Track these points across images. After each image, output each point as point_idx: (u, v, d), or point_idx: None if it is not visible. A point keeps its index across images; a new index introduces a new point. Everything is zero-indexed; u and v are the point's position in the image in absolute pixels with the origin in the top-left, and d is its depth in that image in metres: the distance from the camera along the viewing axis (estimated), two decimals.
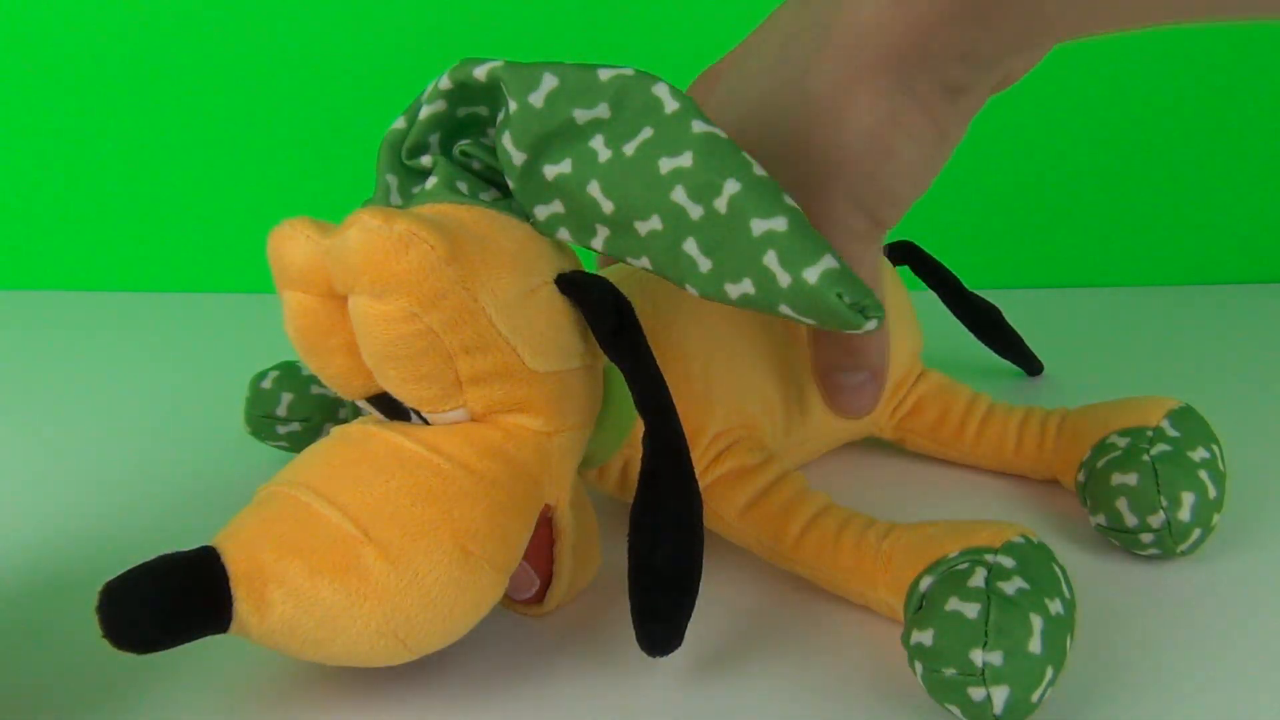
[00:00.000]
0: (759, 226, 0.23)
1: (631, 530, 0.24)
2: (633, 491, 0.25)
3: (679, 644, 0.24)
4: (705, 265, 0.24)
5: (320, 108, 0.67)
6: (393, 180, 0.27)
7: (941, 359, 0.51)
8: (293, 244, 0.24)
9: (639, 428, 0.29)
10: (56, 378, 0.52)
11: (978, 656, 0.22)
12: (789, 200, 0.23)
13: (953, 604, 0.24)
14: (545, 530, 0.27)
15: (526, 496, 0.25)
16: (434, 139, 0.27)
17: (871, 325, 0.22)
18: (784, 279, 0.23)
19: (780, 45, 0.29)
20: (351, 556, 0.23)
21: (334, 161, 0.68)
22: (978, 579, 0.24)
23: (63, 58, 0.66)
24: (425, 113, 0.26)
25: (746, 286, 0.23)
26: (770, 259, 0.23)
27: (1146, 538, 0.30)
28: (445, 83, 0.26)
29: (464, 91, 0.26)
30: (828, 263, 0.22)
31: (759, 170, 0.23)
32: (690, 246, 0.24)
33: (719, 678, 0.26)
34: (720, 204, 0.23)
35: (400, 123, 0.27)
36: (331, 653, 0.23)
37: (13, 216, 0.70)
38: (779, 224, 0.23)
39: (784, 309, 0.23)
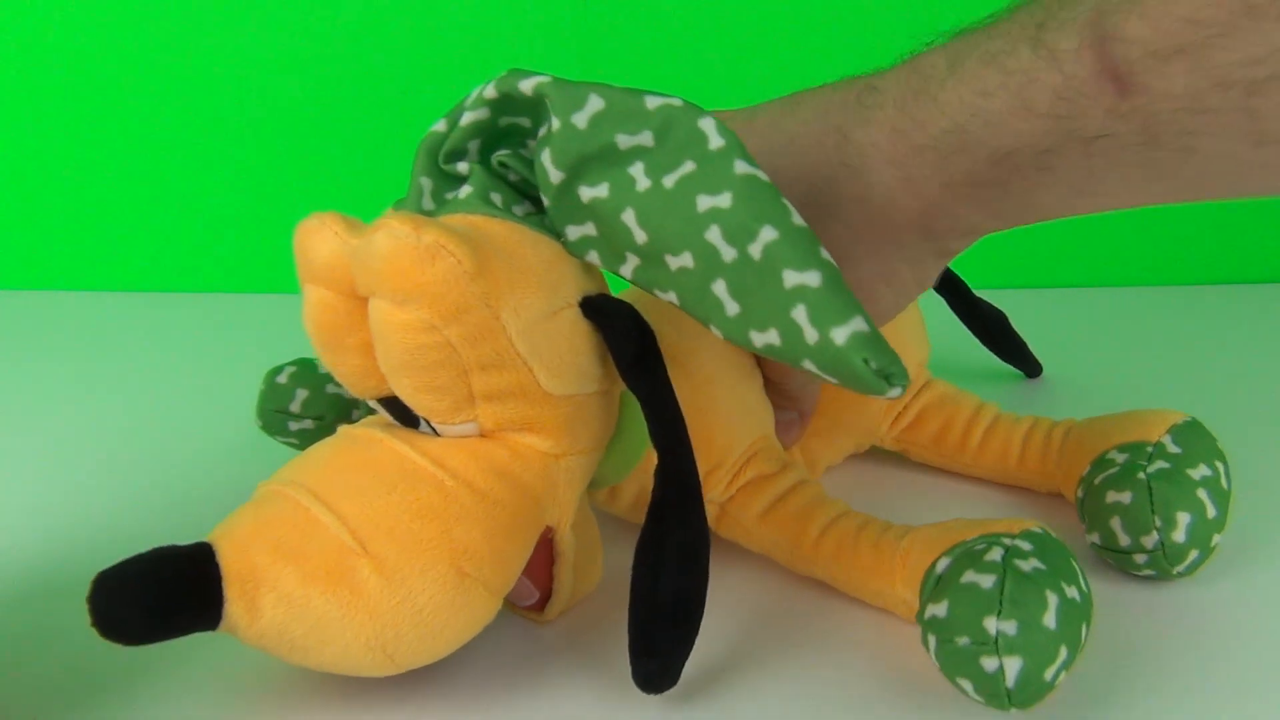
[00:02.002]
0: (791, 278, 0.22)
1: (635, 562, 0.24)
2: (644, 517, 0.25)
3: (674, 683, 0.23)
4: (733, 309, 0.23)
5: (323, 107, 0.66)
6: (427, 183, 0.27)
7: (943, 360, 0.49)
8: (319, 238, 0.24)
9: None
10: (56, 378, 0.51)
11: (991, 624, 0.22)
12: (825, 255, 0.22)
13: (969, 577, 0.24)
14: (546, 549, 0.26)
15: (527, 518, 0.25)
16: (473, 145, 0.26)
17: (895, 393, 0.22)
18: (811, 335, 0.22)
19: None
20: (346, 568, 0.22)
21: (337, 162, 0.67)
22: (994, 555, 0.24)
23: (63, 58, 0.65)
24: (467, 119, 0.26)
25: (772, 337, 0.23)
26: (799, 313, 0.22)
27: (1140, 558, 0.29)
28: (490, 91, 0.25)
29: (508, 102, 0.25)
30: (857, 325, 0.22)
31: (798, 220, 0.23)
32: (719, 288, 0.23)
33: (722, 689, 0.26)
34: (755, 250, 0.23)
35: (440, 125, 0.26)
36: (319, 660, 0.23)
37: (13, 216, 0.69)
38: (812, 278, 0.22)
39: (807, 364, 0.22)
